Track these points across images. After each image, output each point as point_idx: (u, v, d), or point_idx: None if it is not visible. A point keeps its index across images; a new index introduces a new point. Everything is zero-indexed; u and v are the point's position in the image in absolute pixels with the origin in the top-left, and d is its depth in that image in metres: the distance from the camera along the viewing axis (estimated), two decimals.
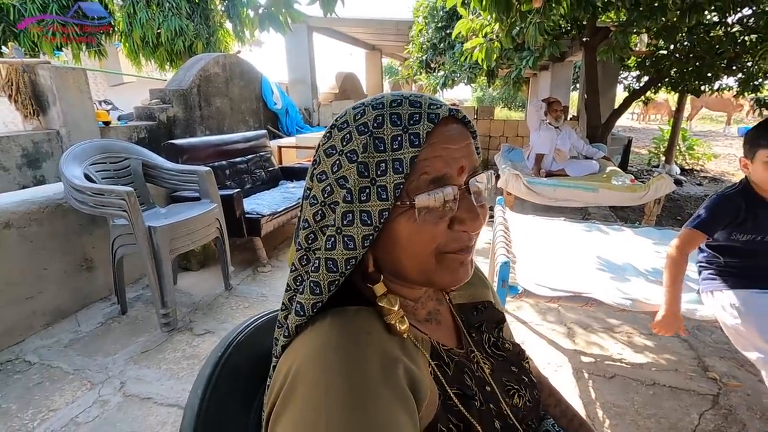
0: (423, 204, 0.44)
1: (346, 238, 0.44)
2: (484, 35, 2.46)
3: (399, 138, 0.43)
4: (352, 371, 0.40)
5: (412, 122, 0.44)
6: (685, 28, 3.26)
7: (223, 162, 3.42)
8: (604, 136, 4.82)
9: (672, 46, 4.04)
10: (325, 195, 0.46)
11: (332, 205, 0.46)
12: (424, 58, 5.08)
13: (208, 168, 2.55)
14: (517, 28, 2.30)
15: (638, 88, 5.10)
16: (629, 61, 5.24)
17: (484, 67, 2.98)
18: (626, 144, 6.17)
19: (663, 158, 6.85)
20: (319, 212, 0.47)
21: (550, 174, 4.05)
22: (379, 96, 0.48)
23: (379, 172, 0.43)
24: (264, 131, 4.12)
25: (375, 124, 0.44)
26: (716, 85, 4.64)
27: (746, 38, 3.66)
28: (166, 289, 2.13)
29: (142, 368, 1.91)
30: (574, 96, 11.94)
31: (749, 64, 4.36)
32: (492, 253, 1.71)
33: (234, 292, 2.67)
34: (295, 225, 0.57)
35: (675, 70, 4.17)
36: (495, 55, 2.49)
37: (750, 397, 1.79)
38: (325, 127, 6.70)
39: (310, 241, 0.48)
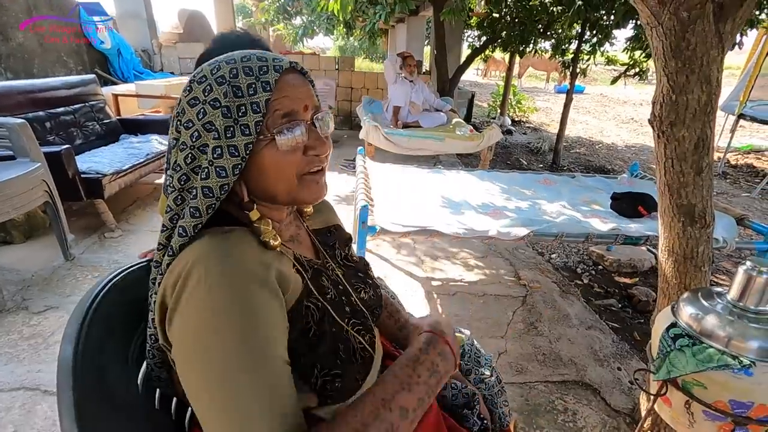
0: (281, 136, 0.55)
1: (218, 168, 0.54)
2: None
3: (253, 85, 0.54)
4: (232, 267, 0.51)
5: (261, 72, 0.55)
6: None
7: (40, 113, 2.85)
8: (452, 90, 5.35)
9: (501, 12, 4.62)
10: (194, 139, 0.55)
11: (202, 148, 0.55)
12: (281, 1, 4.81)
13: (22, 120, 2.13)
14: None
15: (479, 46, 5.72)
16: (471, 21, 5.79)
17: (340, 18, 3.01)
18: (470, 98, 6.94)
19: (498, 111, 7.91)
20: (190, 155, 0.55)
21: (406, 125, 4.39)
22: (230, 55, 0.58)
23: (240, 114, 0.54)
24: (92, 76, 3.50)
25: (231, 75, 0.54)
26: (536, 48, 5.48)
27: (554, 9, 4.40)
28: None
29: None
30: (428, 50, 12.71)
31: (560, 31, 5.27)
32: (354, 199, 1.89)
33: (77, 262, 2.37)
34: (165, 176, 0.62)
35: (504, 32, 4.80)
36: (350, 7, 2.55)
37: (545, 294, 2.40)
38: (171, 72, 5.94)
39: (182, 182, 0.56)
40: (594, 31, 5.01)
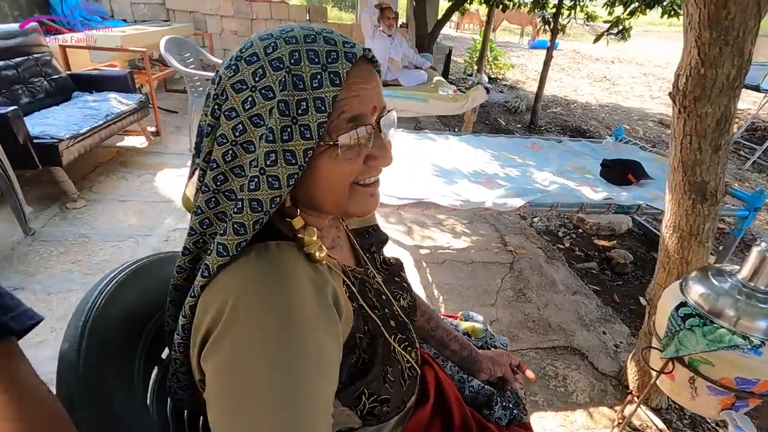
0: (345, 143, 0.46)
1: (270, 179, 0.44)
2: None
3: (319, 76, 0.43)
4: (287, 304, 0.43)
5: (330, 60, 0.44)
6: None
7: None
8: (430, 45, 5.13)
9: None
10: (237, 134, 0.45)
11: (245, 144, 0.45)
12: None
13: None
14: None
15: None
16: None
17: None
18: (448, 53, 6.70)
19: (476, 68, 7.73)
20: (230, 152, 0.46)
21: (385, 84, 4.19)
22: (287, 28, 0.46)
23: (299, 111, 0.43)
24: (34, 24, 3.09)
25: (292, 60, 0.43)
26: (519, 2, 5.29)
27: None
28: None
29: None
30: (403, 2, 12.08)
31: None
32: None
33: (39, 236, 2.18)
34: (192, 166, 0.52)
35: None
36: None
37: (531, 260, 2.43)
38: (124, 20, 5.38)
39: (218, 183, 0.46)
40: None
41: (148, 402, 0.60)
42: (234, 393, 0.41)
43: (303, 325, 0.43)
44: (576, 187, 2.02)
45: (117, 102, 3.07)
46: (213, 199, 0.47)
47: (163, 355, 0.67)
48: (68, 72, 3.27)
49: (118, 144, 3.42)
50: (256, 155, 0.45)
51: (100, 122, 2.71)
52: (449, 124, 5.03)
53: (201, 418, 0.69)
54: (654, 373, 1.08)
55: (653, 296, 1.37)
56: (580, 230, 2.95)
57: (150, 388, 0.61)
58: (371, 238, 0.70)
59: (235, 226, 0.45)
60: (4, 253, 2.03)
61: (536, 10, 5.93)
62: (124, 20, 5.39)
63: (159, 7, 5.52)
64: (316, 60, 0.43)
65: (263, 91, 0.43)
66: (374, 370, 0.53)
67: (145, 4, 5.46)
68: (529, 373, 0.90)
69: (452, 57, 7.82)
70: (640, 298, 2.21)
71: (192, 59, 3.49)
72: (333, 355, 0.47)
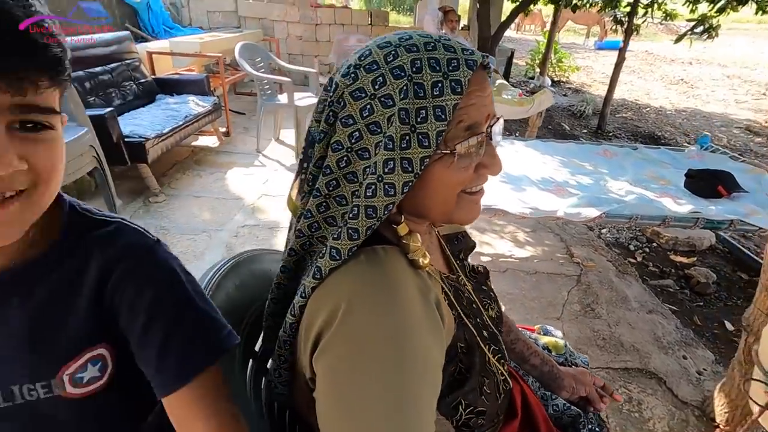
0: (461, 151, 0.46)
1: (386, 186, 0.44)
2: None
3: (440, 84, 0.43)
4: (396, 309, 0.43)
5: (451, 68, 0.43)
6: None
7: (80, 72, 2.79)
8: (493, 48, 5.01)
9: None
10: (352, 141, 0.46)
11: (360, 152, 0.46)
12: None
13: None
14: None
15: (523, 0, 5.29)
16: None
17: None
18: (509, 56, 6.53)
19: (538, 70, 7.46)
20: (345, 158, 0.46)
21: None
22: (405, 36, 0.47)
23: (418, 119, 0.43)
24: (127, 32, 3.40)
25: (413, 69, 0.43)
26: (590, 1, 5.04)
27: None
28: None
29: None
30: (463, 3, 11.96)
31: None
32: None
33: None
34: (298, 169, 0.54)
35: None
36: None
37: (601, 273, 2.30)
38: (200, 27, 5.75)
39: (330, 188, 0.48)
40: None
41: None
42: (344, 395, 0.42)
43: (412, 331, 0.43)
44: (656, 198, 1.88)
45: (194, 104, 3.29)
46: (324, 204, 0.48)
47: (256, 348, 0.70)
48: (153, 76, 3.55)
49: (193, 143, 3.66)
50: (371, 162, 0.45)
51: (180, 123, 2.92)
52: (510, 128, 4.89)
53: (287, 412, 0.71)
54: (755, 408, 0.98)
55: (752, 322, 1.24)
56: (654, 244, 2.75)
57: (247, 379, 0.64)
58: (460, 245, 0.69)
59: (350, 231, 0.46)
60: None
61: (607, 9, 5.62)
62: (200, 27, 5.78)
63: (232, 14, 5.85)
64: (438, 68, 0.43)
65: (383, 99, 0.44)
66: (471, 381, 0.52)
67: (219, 12, 5.82)
68: (616, 396, 0.84)
69: (513, 59, 7.61)
70: (726, 322, 2.01)
71: (262, 64, 3.66)
72: (437, 361, 0.46)
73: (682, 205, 1.79)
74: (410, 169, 0.44)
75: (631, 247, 2.70)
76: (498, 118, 0.51)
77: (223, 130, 3.82)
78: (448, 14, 4.21)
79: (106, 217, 0.50)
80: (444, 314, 0.50)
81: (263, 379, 0.67)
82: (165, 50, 3.79)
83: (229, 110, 3.95)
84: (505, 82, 4.22)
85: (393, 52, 0.45)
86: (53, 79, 0.37)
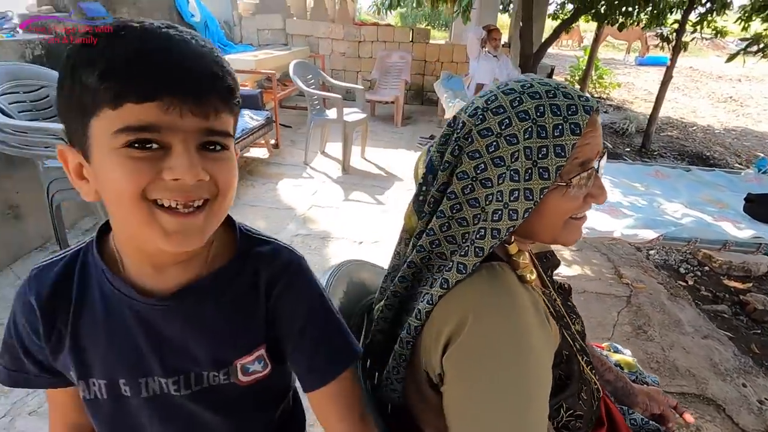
0: (575, 183, 0.53)
1: (511, 211, 0.52)
2: None
3: (560, 126, 0.51)
4: (516, 318, 0.51)
5: (570, 112, 0.51)
6: None
7: None
8: (535, 66, 5.03)
9: None
10: (477, 171, 0.54)
11: (484, 181, 0.54)
12: None
13: None
14: None
15: (567, 18, 5.30)
16: None
17: None
18: (549, 72, 6.51)
19: (578, 87, 7.40)
20: (469, 186, 0.54)
21: None
22: (527, 83, 0.54)
23: (540, 156, 0.51)
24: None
25: (537, 113, 0.51)
26: (637, 19, 5.00)
27: None
28: None
29: None
30: (501, 18, 12.01)
31: None
32: None
33: None
34: (417, 191, 0.62)
35: (603, 3, 4.40)
36: None
37: (651, 295, 2.27)
38: (250, 44, 6.04)
39: (454, 211, 0.56)
40: None
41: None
42: (474, 386, 0.50)
43: (530, 334, 0.51)
44: (714, 221, 1.86)
45: (249, 118, 3.48)
46: (446, 224, 0.56)
47: None
48: None
49: (245, 154, 3.85)
50: (494, 190, 0.53)
51: (239, 135, 3.09)
52: None
53: (389, 407, 0.78)
54: None
55: None
56: (706, 268, 2.69)
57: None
58: (548, 263, 0.75)
59: (476, 249, 0.53)
60: None
61: (652, 26, 5.54)
62: (250, 44, 6.09)
63: (280, 32, 6.14)
64: (558, 113, 0.51)
65: (508, 138, 0.52)
66: (572, 387, 0.58)
67: (268, 30, 6.11)
68: (689, 417, 0.87)
69: (553, 75, 7.58)
70: None
71: (313, 80, 3.84)
72: (549, 363, 0.54)
73: (743, 230, 1.77)
74: (531, 197, 0.51)
75: (681, 270, 2.65)
76: (605, 152, 0.58)
77: (273, 142, 4.01)
78: (492, 32, 4.29)
79: (263, 237, 0.59)
80: (551, 324, 0.57)
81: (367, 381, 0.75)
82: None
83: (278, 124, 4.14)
84: None
85: (518, 99, 0.53)
86: (229, 106, 0.44)
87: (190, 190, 0.42)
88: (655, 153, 4.96)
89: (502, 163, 0.52)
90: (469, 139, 0.54)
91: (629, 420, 0.82)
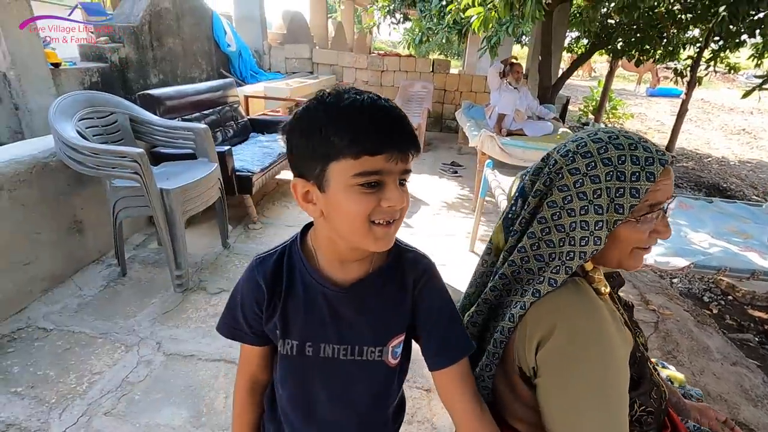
0: (644, 220, 0.65)
1: (595, 238, 0.64)
2: (482, 3, 2.55)
3: (637, 173, 0.63)
4: (598, 319, 0.63)
5: (647, 163, 0.63)
6: (646, 7, 3.60)
7: (196, 114, 3.24)
8: (553, 97, 5.22)
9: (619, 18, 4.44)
10: (565, 202, 0.66)
11: (569, 210, 0.65)
12: (391, 7, 4.96)
13: (205, 126, 2.45)
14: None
15: (583, 53, 5.53)
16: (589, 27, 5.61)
17: (479, 34, 3.08)
18: (565, 103, 6.71)
19: (592, 117, 7.58)
20: (557, 214, 0.66)
21: (510, 133, 4.38)
22: (614, 136, 0.67)
23: (617, 194, 0.63)
24: (231, 79, 3.89)
25: (619, 161, 0.63)
26: (654, 55, 5.20)
27: (682, 16, 4.14)
28: (180, 250, 2.13)
29: (171, 328, 1.96)
30: (516, 50, 12.38)
31: (674, 34, 4.95)
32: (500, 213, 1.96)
33: (233, 250, 2.69)
34: (506, 210, 0.75)
35: (620, 39, 4.61)
36: (491, 24, 2.62)
37: (679, 322, 2.34)
38: (279, 72, 6.32)
39: (543, 233, 0.68)
40: (720, 36, 4.65)
41: None
42: (566, 379, 0.61)
43: (611, 336, 0.62)
44: (740, 251, 1.96)
45: (283, 143, 3.67)
46: (536, 244, 0.68)
47: None
48: (248, 117, 4.00)
49: (277, 177, 4.03)
50: (576, 219, 0.65)
51: (275, 159, 3.27)
52: None
53: None
54: None
55: None
56: (730, 297, 2.75)
57: None
58: (614, 281, 0.87)
59: (566, 267, 0.65)
60: (211, 261, 2.55)
61: (666, 61, 5.74)
62: (278, 72, 6.39)
63: (306, 61, 6.44)
64: (637, 163, 0.63)
65: (592, 178, 0.64)
66: (644, 386, 0.69)
67: (296, 59, 6.42)
68: None
69: (568, 106, 7.78)
70: None
71: None
72: (627, 363, 0.64)
73: None
74: (608, 228, 0.64)
75: (705, 299, 2.72)
76: (674, 198, 0.70)
77: None
78: (514, 66, 4.50)
79: (407, 246, 0.74)
80: (624, 329, 0.68)
81: None
82: (259, 93, 4.27)
83: None
84: (568, 130, 4.38)
85: (604, 147, 0.65)
86: (414, 152, 0.59)
87: (394, 212, 0.59)
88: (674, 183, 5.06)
89: (585, 198, 0.64)
90: (560, 175, 0.66)
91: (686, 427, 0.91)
